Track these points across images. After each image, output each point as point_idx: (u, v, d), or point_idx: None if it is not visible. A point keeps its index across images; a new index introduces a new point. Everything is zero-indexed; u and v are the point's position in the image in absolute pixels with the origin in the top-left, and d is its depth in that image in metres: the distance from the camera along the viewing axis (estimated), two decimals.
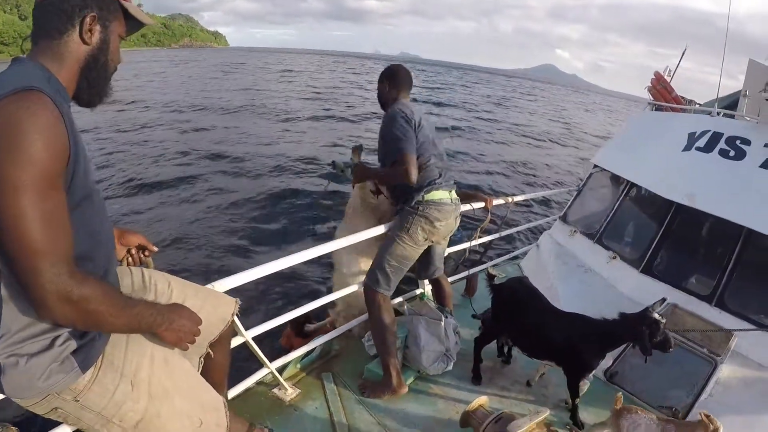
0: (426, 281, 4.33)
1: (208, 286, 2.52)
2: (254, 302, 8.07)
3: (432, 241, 3.65)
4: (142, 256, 2.22)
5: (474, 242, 5.06)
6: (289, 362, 3.65)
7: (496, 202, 5.04)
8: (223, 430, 2.08)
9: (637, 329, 3.24)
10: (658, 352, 3.25)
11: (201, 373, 2.21)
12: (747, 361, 4.14)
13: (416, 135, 3.38)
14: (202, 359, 2.27)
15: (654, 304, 3.39)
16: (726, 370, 4.05)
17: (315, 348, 3.86)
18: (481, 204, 4.73)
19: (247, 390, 3.35)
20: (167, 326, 1.79)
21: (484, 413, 2.88)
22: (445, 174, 3.57)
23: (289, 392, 3.41)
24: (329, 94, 37.19)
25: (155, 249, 2.26)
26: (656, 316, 3.24)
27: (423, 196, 3.44)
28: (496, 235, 5.64)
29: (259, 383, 3.45)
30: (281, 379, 3.47)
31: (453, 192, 3.61)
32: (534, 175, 20.19)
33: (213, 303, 2.25)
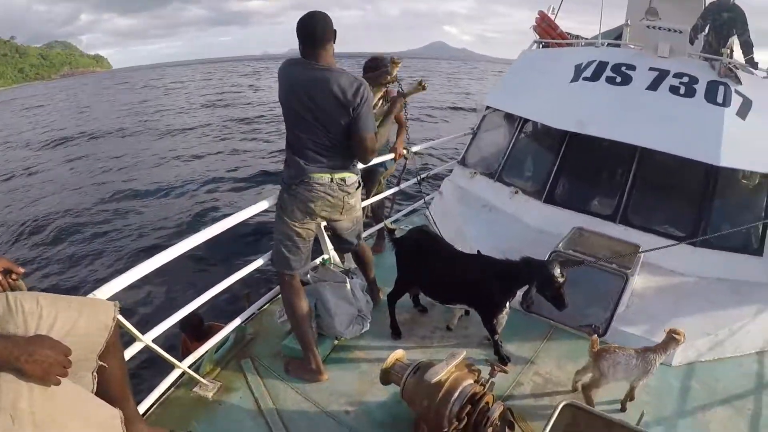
0: (330, 247, 4.18)
1: (90, 295, 2.31)
2: (148, 304, 7.79)
3: (320, 219, 3.42)
4: (10, 280, 2.00)
5: (371, 200, 4.99)
6: (202, 357, 3.44)
7: (388, 157, 4.95)
8: None
9: (534, 278, 3.26)
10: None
11: (99, 388, 2.04)
12: (657, 270, 4.30)
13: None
14: (95, 374, 2.05)
15: (553, 256, 3.54)
16: (639, 282, 4.19)
17: (228, 336, 3.66)
18: (390, 156, 4.71)
19: (168, 396, 3.19)
20: (27, 358, 1.60)
21: (402, 366, 2.78)
22: (325, 153, 3.19)
23: (210, 387, 3.25)
24: (218, 103, 35.70)
25: (21, 270, 2.03)
26: (555, 272, 3.22)
27: (296, 176, 3.20)
28: (396, 189, 5.54)
29: (178, 386, 3.28)
30: (198, 377, 3.27)
31: (337, 173, 3.24)
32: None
33: (90, 312, 2.03)
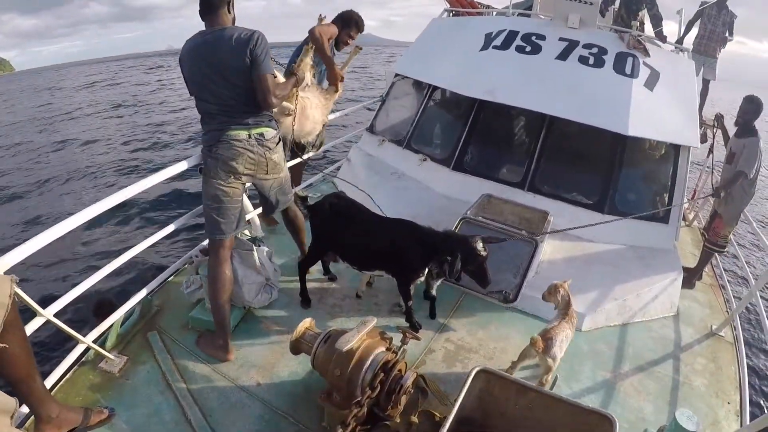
0: (252, 210, 4.03)
1: None
2: (50, 277, 7.34)
3: (245, 177, 3.26)
4: None
5: (293, 162, 4.82)
6: (107, 331, 3.24)
7: None
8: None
9: (455, 252, 3.23)
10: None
11: (2, 369, 1.92)
12: (565, 236, 4.38)
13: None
14: None
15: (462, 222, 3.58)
16: (548, 248, 4.25)
17: (133, 309, 3.47)
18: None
19: (73, 372, 3.01)
20: None
21: (312, 335, 2.69)
22: (236, 112, 3.14)
23: (117, 362, 3.09)
24: (127, 103, 33.26)
25: None
26: (478, 246, 3.22)
27: (214, 137, 3.14)
28: (308, 155, 5.37)
29: (83, 362, 3.09)
30: (104, 352, 3.08)
31: (254, 128, 3.18)
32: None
33: None
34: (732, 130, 5.22)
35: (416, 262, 3.37)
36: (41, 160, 17.63)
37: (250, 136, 3.14)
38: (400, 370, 2.50)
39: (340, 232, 3.54)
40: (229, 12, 3.12)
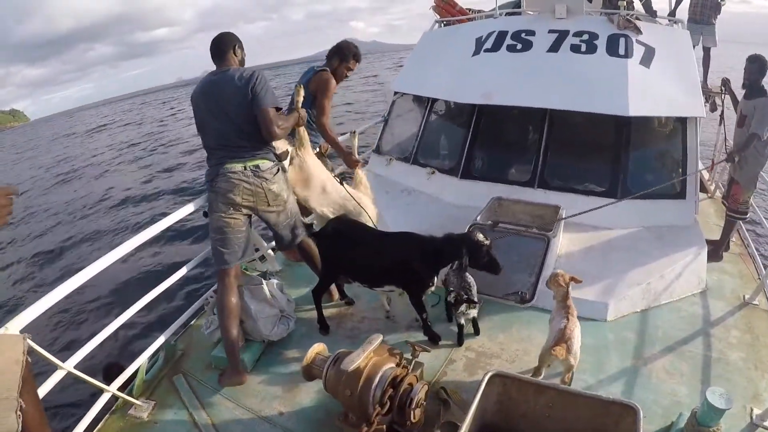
0: (264, 245, 4.22)
1: (1, 330, 2.19)
2: (66, 331, 7.51)
3: (245, 209, 3.34)
4: None
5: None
6: (132, 380, 3.32)
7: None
8: None
9: (461, 250, 3.27)
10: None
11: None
12: (581, 228, 4.32)
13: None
14: (19, 413, 1.92)
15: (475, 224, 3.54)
16: (564, 242, 4.20)
17: (157, 354, 3.55)
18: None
19: (105, 422, 3.08)
20: None
21: (323, 359, 2.70)
22: (234, 145, 3.28)
23: (145, 408, 3.14)
24: (143, 143, 33.80)
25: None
26: (479, 237, 3.24)
27: (213, 172, 3.31)
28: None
29: (113, 411, 3.16)
30: (131, 399, 3.15)
31: (249, 160, 3.28)
32: None
33: None
34: (740, 93, 5.09)
35: (422, 272, 3.39)
36: (60, 215, 18.03)
37: (245, 168, 3.24)
38: (410, 384, 2.48)
39: (346, 253, 3.57)
40: (236, 54, 3.39)
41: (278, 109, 3.29)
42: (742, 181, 4.75)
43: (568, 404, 2.40)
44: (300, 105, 3.75)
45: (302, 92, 3.79)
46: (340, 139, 4.62)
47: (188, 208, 3.49)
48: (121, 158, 28.28)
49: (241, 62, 3.44)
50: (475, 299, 3.36)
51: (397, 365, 2.57)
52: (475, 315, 3.46)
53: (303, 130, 3.86)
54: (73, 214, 17.25)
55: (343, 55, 4.34)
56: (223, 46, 3.36)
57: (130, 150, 30.47)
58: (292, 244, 3.72)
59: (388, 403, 2.36)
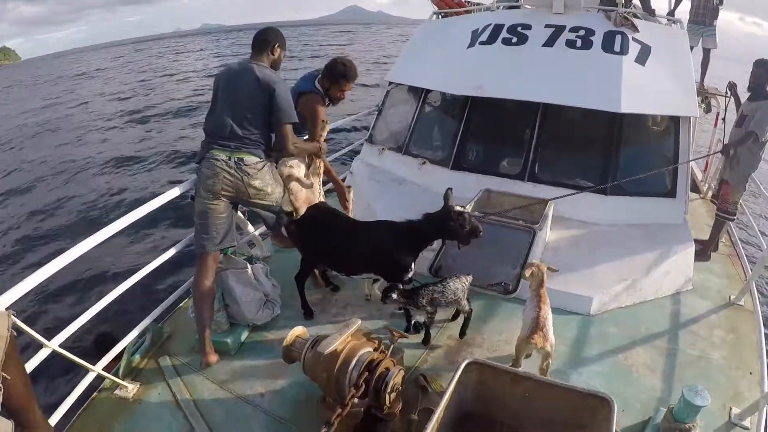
0: (252, 229, 4.24)
1: None
2: (53, 309, 7.49)
3: (224, 198, 3.33)
4: None
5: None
6: (118, 360, 3.35)
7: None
8: None
9: (445, 225, 3.30)
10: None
11: (2, 400, 1.94)
12: (570, 222, 4.33)
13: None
14: (0, 386, 1.94)
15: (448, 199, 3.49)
16: (552, 235, 4.21)
17: (144, 337, 3.58)
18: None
19: (90, 401, 3.12)
20: None
21: (302, 342, 2.71)
22: (225, 132, 3.27)
23: (130, 389, 3.18)
24: (136, 93, 32.75)
25: None
26: (458, 208, 3.29)
27: (200, 155, 3.34)
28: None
29: (100, 390, 3.20)
30: (117, 380, 3.18)
31: (236, 153, 3.26)
32: None
33: None
34: (744, 96, 5.11)
35: (403, 259, 3.41)
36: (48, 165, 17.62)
37: (230, 158, 3.24)
38: (387, 368, 2.49)
39: (322, 241, 3.59)
40: (273, 53, 3.44)
41: (293, 124, 3.36)
42: (733, 181, 4.76)
43: (545, 394, 2.41)
44: (323, 138, 3.79)
45: (327, 128, 3.80)
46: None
47: (175, 192, 3.47)
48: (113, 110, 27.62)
49: (276, 60, 3.48)
50: (423, 305, 3.27)
51: (375, 350, 2.57)
52: (423, 321, 3.40)
53: (319, 162, 3.88)
54: (55, 169, 16.94)
55: (333, 78, 3.94)
56: (264, 42, 3.42)
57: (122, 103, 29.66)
58: (276, 228, 3.81)
59: (363, 386, 2.37)
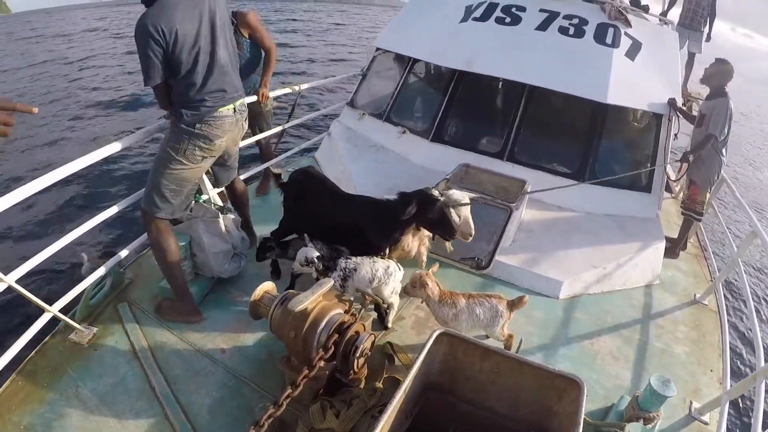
0: (209, 187, 3.90)
1: None
2: (11, 243, 7.21)
3: (217, 154, 3.16)
4: None
5: (262, 135, 4.78)
6: (76, 302, 3.21)
7: (281, 91, 4.89)
8: None
9: (427, 216, 3.16)
10: None
11: None
12: (545, 206, 4.33)
13: (172, 53, 2.70)
14: None
15: (439, 183, 3.42)
16: (527, 217, 4.20)
17: (104, 281, 3.42)
18: (287, 90, 4.76)
19: (44, 344, 3.00)
20: None
21: (270, 298, 2.60)
22: (227, 85, 2.99)
23: (86, 334, 3.07)
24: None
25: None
26: (434, 192, 3.14)
27: (201, 114, 2.92)
28: (287, 125, 5.31)
29: (54, 334, 3.08)
30: (73, 323, 3.06)
31: (238, 99, 3.09)
32: None
33: None
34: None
35: (380, 238, 3.29)
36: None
37: (235, 111, 3.10)
38: (357, 332, 2.42)
39: (307, 209, 3.47)
40: None
41: None
42: (699, 181, 4.79)
43: (514, 372, 2.37)
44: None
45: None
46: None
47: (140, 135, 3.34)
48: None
49: None
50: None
51: (346, 312, 2.50)
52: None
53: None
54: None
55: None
56: None
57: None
58: (228, 181, 3.66)
59: (332, 349, 2.29)
